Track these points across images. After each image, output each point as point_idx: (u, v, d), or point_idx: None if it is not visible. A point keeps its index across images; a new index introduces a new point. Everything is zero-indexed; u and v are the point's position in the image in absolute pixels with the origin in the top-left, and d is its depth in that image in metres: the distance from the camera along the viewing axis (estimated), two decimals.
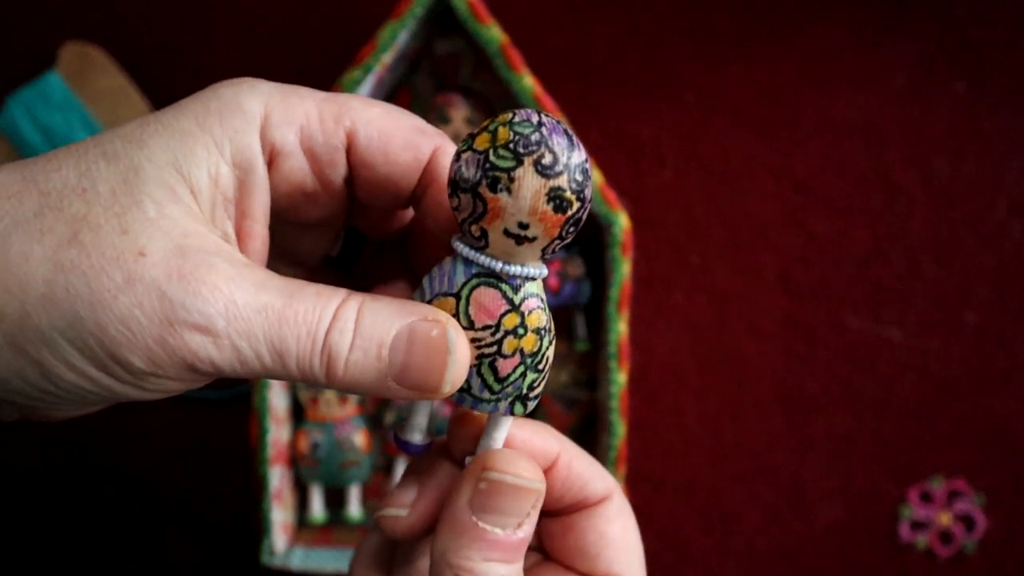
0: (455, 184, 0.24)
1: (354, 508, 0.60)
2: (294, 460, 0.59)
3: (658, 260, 0.61)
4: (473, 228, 0.24)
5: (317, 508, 0.60)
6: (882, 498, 0.62)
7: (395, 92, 0.58)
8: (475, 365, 0.25)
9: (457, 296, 0.25)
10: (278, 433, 0.56)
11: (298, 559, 0.57)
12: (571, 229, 0.24)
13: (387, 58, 0.52)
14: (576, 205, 0.24)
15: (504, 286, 0.25)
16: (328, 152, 0.26)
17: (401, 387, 0.24)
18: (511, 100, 0.57)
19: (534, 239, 0.24)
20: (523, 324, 0.25)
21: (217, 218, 0.25)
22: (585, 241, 0.58)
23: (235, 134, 0.25)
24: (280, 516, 0.56)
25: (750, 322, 0.61)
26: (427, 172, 0.27)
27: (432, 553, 0.27)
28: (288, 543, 0.58)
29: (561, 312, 0.59)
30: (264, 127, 0.25)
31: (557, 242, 0.24)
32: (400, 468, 0.60)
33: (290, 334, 0.23)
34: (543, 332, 0.25)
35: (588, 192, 0.24)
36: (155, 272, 0.22)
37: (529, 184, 0.23)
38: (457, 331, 0.25)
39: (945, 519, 0.62)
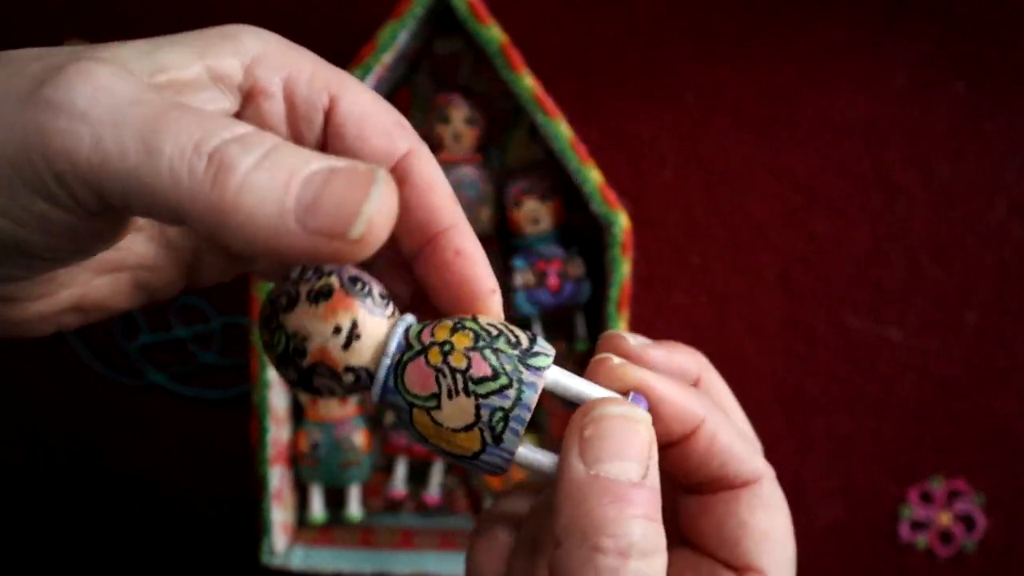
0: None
1: (354, 508, 0.60)
2: (294, 460, 0.59)
3: (658, 260, 0.61)
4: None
5: (317, 508, 0.60)
6: (882, 498, 0.62)
7: (395, 92, 0.58)
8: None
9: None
10: (278, 433, 0.56)
11: (298, 559, 0.57)
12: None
13: (387, 58, 0.52)
14: None
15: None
16: (307, 107, 0.26)
17: (302, 230, 0.19)
18: (511, 100, 0.57)
19: None
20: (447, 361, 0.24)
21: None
22: (585, 241, 0.58)
23: (219, 57, 0.24)
24: (280, 516, 0.56)
25: (750, 322, 0.61)
26: (398, 169, 0.26)
27: (555, 534, 0.22)
28: (288, 543, 0.58)
29: (561, 312, 0.59)
30: (252, 64, 0.25)
31: None
32: (400, 468, 0.61)
33: (171, 129, 0.19)
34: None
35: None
36: (35, 67, 0.20)
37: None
38: (387, 175, 0.20)
39: (945, 519, 0.62)
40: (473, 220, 0.57)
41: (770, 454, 0.65)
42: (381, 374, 0.24)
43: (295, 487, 0.60)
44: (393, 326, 0.25)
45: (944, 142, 0.59)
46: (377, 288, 0.25)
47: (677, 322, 0.61)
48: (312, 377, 0.24)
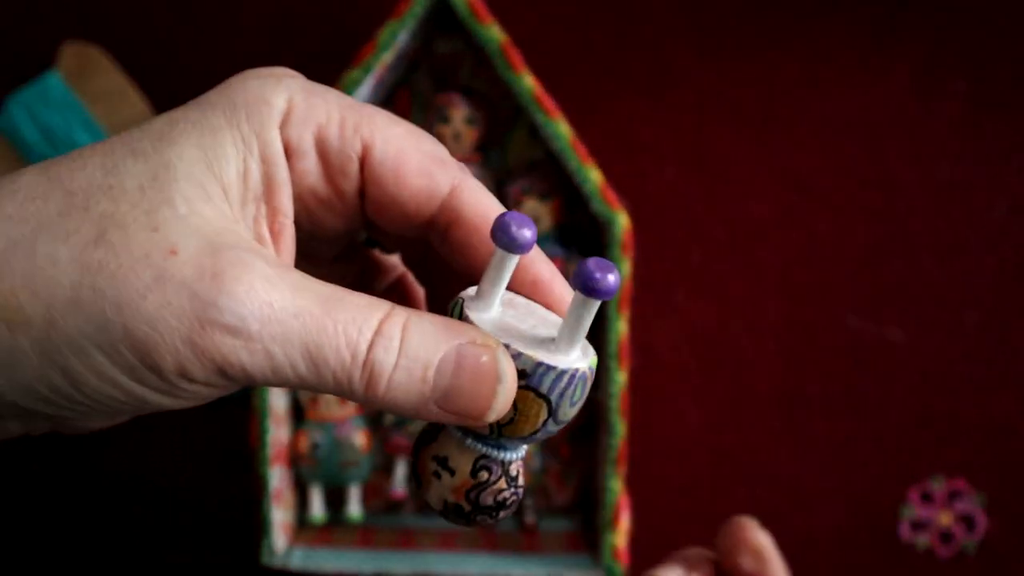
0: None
1: (354, 508, 0.60)
2: (294, 460, 0.59)
3: (658, 260, 0.61)
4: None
5: (317, 508, 0.60)
6: (882, 498, 0.62)
7: (395, 92, 0.58)
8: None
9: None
10: (278, 433, 0.56)
11: (298, 559, 0.57)
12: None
13: (387, 58, 0.52)
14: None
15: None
16: (341, 159, 0.25)
17: (443, 411, 0.23)
18: (511, 100, 0.57)
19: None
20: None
21: (248, 217, 0.24)
22: (585, 241, 0.58)
23: (261, 129, 0.24)
24: (280, 516, 0.56)
25: (750, 322, 0.61)
26: (447, 209, 0.26)
27: None
28: (288, 543, 0.58)
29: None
30: (283, 123, 0.25)
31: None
32: (400, 468, 0.61)
33: (328, 344, 0.22)
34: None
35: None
36: (186, 271, 0.21)
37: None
38: (507, 358, 0.23)
39: (946, 519, 0.62)
40: None
41: (770, 454, 0.66)
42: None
43: (295, 487, 0.60)
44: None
45: (944, 142, 0.59)
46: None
47: (677, 322, 0.61)
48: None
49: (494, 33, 0.52)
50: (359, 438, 0.59)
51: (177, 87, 0.61)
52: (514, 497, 0.27)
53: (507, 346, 0.24)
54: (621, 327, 0.54)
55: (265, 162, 0.24)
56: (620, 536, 0.55)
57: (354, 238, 0.30)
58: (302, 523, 0.60)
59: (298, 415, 0.59)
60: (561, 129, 0.52)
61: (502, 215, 0.24)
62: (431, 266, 0.30)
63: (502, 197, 0.58)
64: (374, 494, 0.62)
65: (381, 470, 0.61)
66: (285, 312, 0.22)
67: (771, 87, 0.59)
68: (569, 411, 0.25)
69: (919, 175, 0.60)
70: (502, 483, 0.26)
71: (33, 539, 0.65)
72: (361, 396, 0.23)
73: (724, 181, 0.60)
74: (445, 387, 0.23)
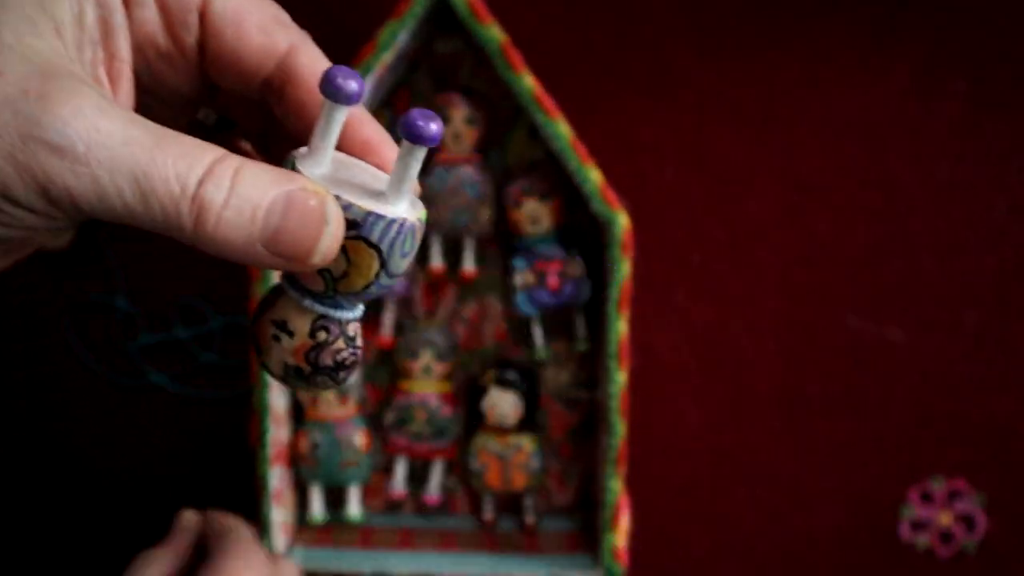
0: None
1: (354, 508, 0.60)
2: (294, 460, 0.59)
3: (658, 260, 0.61)
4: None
5: (317, 508, 0.60)
6: (882, 498, 0.62)
7: (395, 92, 0.58)
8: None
9: None
10: (278, 433, 0.56)
11: (298, 559, 0.57)
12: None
13: (387, 58, 0.52)
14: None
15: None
16: (180, 9, 0.26)
17: (270, 253, 0.24)
18: (511, 100, 0.57)
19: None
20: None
21: (84, 59, 0.24)
22: (585, 241, 0.58)
23: None
24: (280, 516, 0.56)
25: (750, 322, 0.61)
26: (283, 69, 0.27)
27: None
28: (288, 543, 0.58)
29: (561, 312, 0.59)
30: None
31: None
32: (400, 468, 0.61)
33: (158, 175, 0.22)
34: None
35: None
36: (10, 90, 0.21)
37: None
38: (334, 204, 0.24)
39: (945, 519, 0.62)
40: (473, 220, 0.57)
41: (770, 454, 0.66)
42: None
43: (295, 487, 0.60)
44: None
45: (944, 142, 0.59)
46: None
47: (677, 322, 0.61)
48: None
49: (494, 33, 0.52)
50: (359, 438, 0.59)
51: None
52: (352, 357, 0.28)
53: (338, 197, 0.24)
54: (621, 327, 0.54)
55: (100, 6, 0.24)
56: (620, 536, 0.55)
57: (201, 110, 0.30)
58: (302, 523, 0.60)
59: (298, 415, 0.59)
60: (561, 129, 0.52)
61: (330, 67, 0.24)
62: (273, 141, 0.30)
63: (502, 197, 0.58)
64: (374, 494, 0.62)
65: (381, 470, 0.61)
66: (113, 139, 0.22)
67: (771, 87, 0.59)
68: (400, 263, 0.26)
69: (919, 175, 0.60)
70: (340, 343, 0.27)
71: (34, 539, 0.65)
72: (190, 231, 0.23)
73: (724, 181, 0.60)
74: (273, 227, 0.23)
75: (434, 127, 0.24)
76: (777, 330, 0.61)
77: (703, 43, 0.59)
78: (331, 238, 0.24)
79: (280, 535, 0.56)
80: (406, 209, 0.25)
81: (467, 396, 0.60)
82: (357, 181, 0.26)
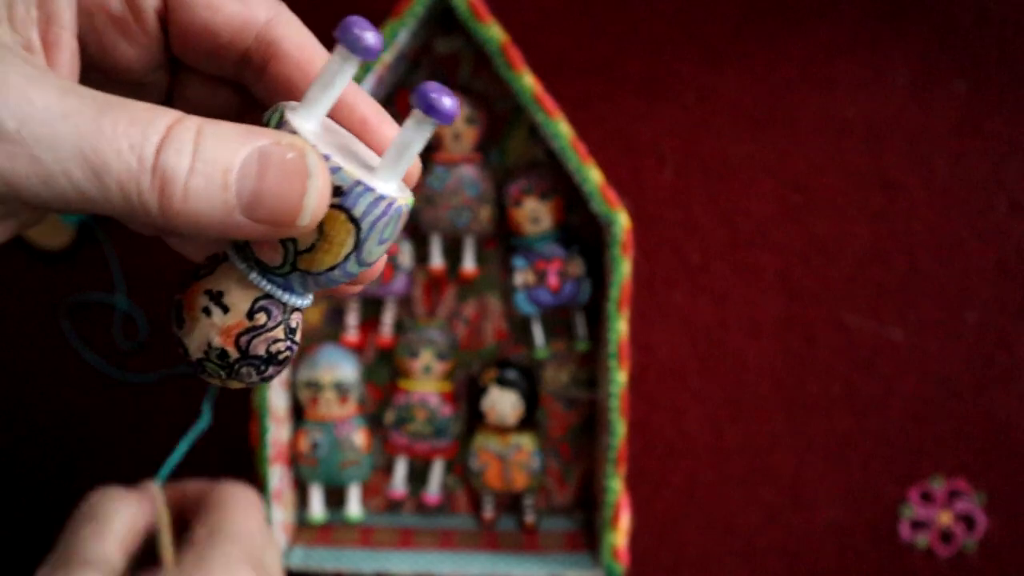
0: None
1: (354, 508, 0.60)
2: (294, 460, 0.59)
3: (658, 260, 0.61)
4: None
5: (317, 508, 0.60)
6: (882, 498, 0.62)
7: (395, 92, 0.58)
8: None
9: None
10: (278, 433, 0.56)
11: (298, 559, 0.57)
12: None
13: (387, 58, 0.52)
14: None
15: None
16: None
17: (251, 221, 0.20)
18: (511, 100, 0.57)
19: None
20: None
21: (16, 20, 0.21)
22: (585, 241, 0.58)
23: None
24: (280, 516, 0.56)
25: (750, 322, 0.61)
26: (264, 42, 0.24)
27: None
28: (288, 543, 0.58)
29: (561, 312, 0.59)
30: None
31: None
32: (400, 468, 0.61)
33: (108, 147, 0.19)
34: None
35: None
36: None
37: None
38: (316, 156, 0.21)
39: (946, 519, 0.62)
40: (473, 219, 0.57)
41: (770, 454, 0.65)
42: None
43: (295, 487, 0.60)
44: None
45: (944, 142, 0.59)
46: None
47: (677, 322, 0.61)
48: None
49: (494, 33, 0.52)
50: (359, 438, 0.59)
51: None
52: (288, 352, 0.24)
53: (326, 158, 0.21)
54: (621, 327, 0.54)
55: None
56: (620, 536, 0.55)
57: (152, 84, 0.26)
58: (302, 523, 0.60)
59: (298, 415, 0.59)
60: (561, 129, 0.52)
61: (348, 17, 0.22)
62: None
63: (502, 197, 0.58)
64: (374, 494, 0.62)
65: (381, 470, 0.61)
66: (50, 112, 0.18)
67: (771, 87, 0.59)
68: (375, 250, 0.23)
69: (919, 175, 0.60)
70: (279, 331, 0.23)
71: (33, 538, 0.65)
72: (155, 209, 0.20)
73: (724, 181, 0.60)
74: (250, 191, 0.20)
75: (449, 101, 0.21)
76: (777, 330, 0.61)
77: (703, 43, 0.59)
78: (318, 193, 0.21)
79: (280, 535, 0.56)
80: (397, 189, 0.23)
81: (467, 396, 0.60)
82: (347, 150, 0.23)
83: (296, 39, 0.24)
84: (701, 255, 0.61)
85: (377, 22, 0.53)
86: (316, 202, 0.21)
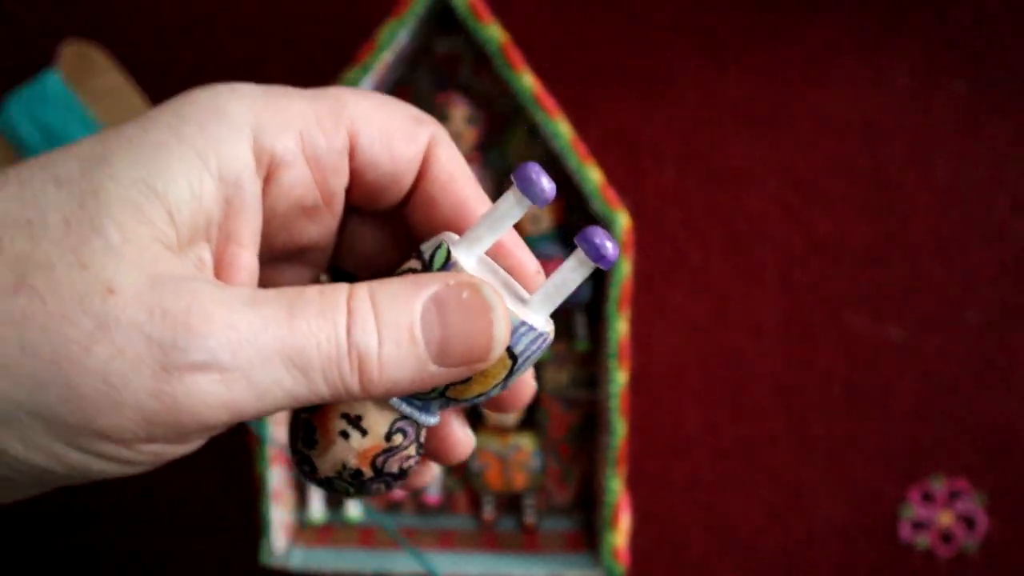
0: None
1: (354, 508, 0.60)
2: None
3: (658, 260, 0.61)
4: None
5: (317, 508, 0.60)
6: (882, 498, 0.62)
7: (395, 92, 0.58)
8: None
9: None
10: (278, 433, 0.56)
11: (298, 559, 0.57)
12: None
13: (387, 57, 0.52)
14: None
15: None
16: (332, 158, 0.23)
17: (444, 367, 0.21)
18: (511, 100, 0.57)
19: None
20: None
21: (194, 242, 0.21)
22: None
23: (220, 144, 0.21)
24: (280, 516, 0.56)
25: (750, 322, 0.61)
26: (421, 164, 0.24)
27: None
28: (288, 543, 0.58)
29: (561, 312, 0.59)
30: (258, 135, 0.22)
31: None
32: None
33: (308, 344, 0.19)
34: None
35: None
36: (131, 312, 0.18)
37: None
38: (490, 288, 0.21)
39: (946, 519, 0.62)
40: None
41: (770, 454, 0.65)
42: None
43: (295, 487, 0.60)
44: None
45: (944, 142, 0.59)
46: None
47: (677, 322, 0.61)
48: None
49: (494, 33, 0.52)
50: None
51: (177, 87, 0.61)
52: (415, 465, 0.25)
53: None
54: (621, 327, 0.54)
55: (225, 182, 0.21)
56: (620, 536, 0.55)
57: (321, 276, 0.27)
58: (302, 523, 0.60)
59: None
60: (561, 129, 0.52)
61: (524, 163, 0.22)
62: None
63: None
64: None
65: None
66: (252, 330, 0.19)
67: (771, 87, 0.59)
68: (518, 377, 0.24)
69: (919, 175, 0.60)
70: (412, 449, 0.24)
71: (33, 538, 0.65)
72: (356, 388, 0.20)
73: (724, 181, 0.60)
74: (437, 340, 0.21)
75: (611, 248, 0.22)
76: (777, 329, 0.61)
77: (703, 43, 0.59)
78: (504, 323, 0.21)
79: (280, 535, 0.56)
80: (546, 322, 0.23)
81: None
82: (501, 282, 0.23)
83: (446, 162, 0.25)
84: (701, 255, 0.61)
85: (377, 22, 0.53)
86: (504, 333, 0.21)
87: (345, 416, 0.23)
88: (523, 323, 0.22)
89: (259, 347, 0.19)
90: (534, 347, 0.23)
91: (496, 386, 0.23)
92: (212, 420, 0.19)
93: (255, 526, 0.57)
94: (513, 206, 0.22)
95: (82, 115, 0.58)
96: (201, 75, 0.60)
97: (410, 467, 0.24)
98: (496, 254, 0.25)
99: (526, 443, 0.59)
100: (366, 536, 0.59)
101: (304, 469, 0.24)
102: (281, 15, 0.59)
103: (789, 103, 0.59)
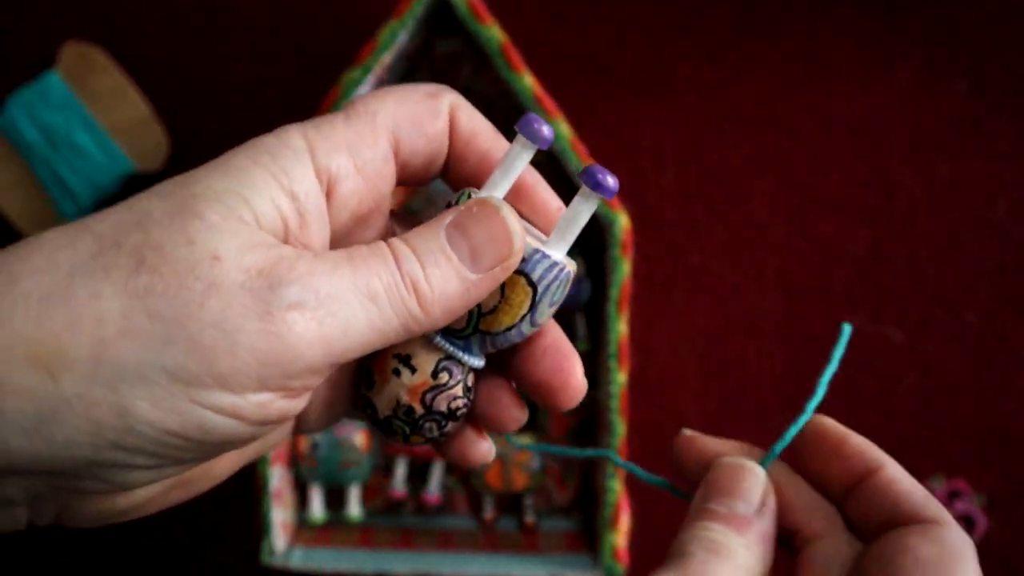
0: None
1: (354, 508, 0.60)
2: (294, 460, 0.59)
3: (658, 260, 0.61)
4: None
5: (317, 508, 0.60)
6: None
7: None
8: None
9: None
10: None
11: (298, 559, 0.57)
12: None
13: (387, 58, 0.52)
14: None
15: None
16: (377, 164, 0.26)
17: (483, 272, 0.25)
18: (511, 100, 0.57)
19: None
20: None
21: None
22: (585, 241, 0.58)
23: (288, 167, 0.24)
24: (280, 516, 0.56)
25: (750, 322, 0.61)
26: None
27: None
28: (288, 543, 0.58)
29: (561, 312, 0.59)
30: (315, 157, 0.25)
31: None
32: (400, 468, 0.61)
33: (370, 277, 0.23)
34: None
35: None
36: (234, 275, 0.22)
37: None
38: (497, 199, 0.25)
39: None
40: None
41: None
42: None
43: (295, 487, 0.60)
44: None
45: (945, 142, 0.59)
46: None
47: (677, 322, 0.61)
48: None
49: (494, 33, 0.52)
50: (359, 438, 0.59)
51: (177, 87, 0.61)
52: (464, 408, 0.27)
53: None
54: (621, 327, 0.54)
55: (296, 199, 0.24)
56: (620, 536, 0.55)
57: None
58: (302, 523, 0.60)
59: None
60: (561, 129, 0.52)
61: (527, 113, 0.26)
62: None
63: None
64: (374, 494, 0.62)
65: (381, 470, 0.61)
66: (325, 273, 0.23)
67: (771, 87, 0.59)
68: (545, 311, 0.27)
69: (919, 175, 0.60)
70: (458, 389, 0.27)
71: (32, 538, 0.65)
72: (417, 310, 0.24)
73: (724, 181, 0.60)
74: (467, 249, 0.25)
75: (612, 181, 0.26)
76: (777, 330, 0.61)
77: (703, 43, 0.59)
78: (512, 216, 0.25)
79: (280, 535, 0.56)
80: (565, 257, 0.26)
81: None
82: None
83: (466, 122, 0.28)
84: (701, 255, 0.61)
85: (377, 22, 0.53)
86: (516, 224, 0.25)
87: (397, 356, 0.26)
88: (536, 251, 0.25)
89: (334, 286, 0.23)
90: (551, 276, 0.26)
91: (523, 317, 0.26)
92: (310, 357, 0.22)
93: (255, 526, 0.57)
94: (520, 151, 0.26)
95: (82, 115, 0.58)
96: (201, 75, 0.60)
97: (458, 408, 0.27)
98: (520, 194, 0.28)
99: (526, 443, 0.59)
100: (366, 536, 0.59)
101: (367, 412, 0.27)
102: (281, 16, 0.59)
103: (789, 103, 0.59)
